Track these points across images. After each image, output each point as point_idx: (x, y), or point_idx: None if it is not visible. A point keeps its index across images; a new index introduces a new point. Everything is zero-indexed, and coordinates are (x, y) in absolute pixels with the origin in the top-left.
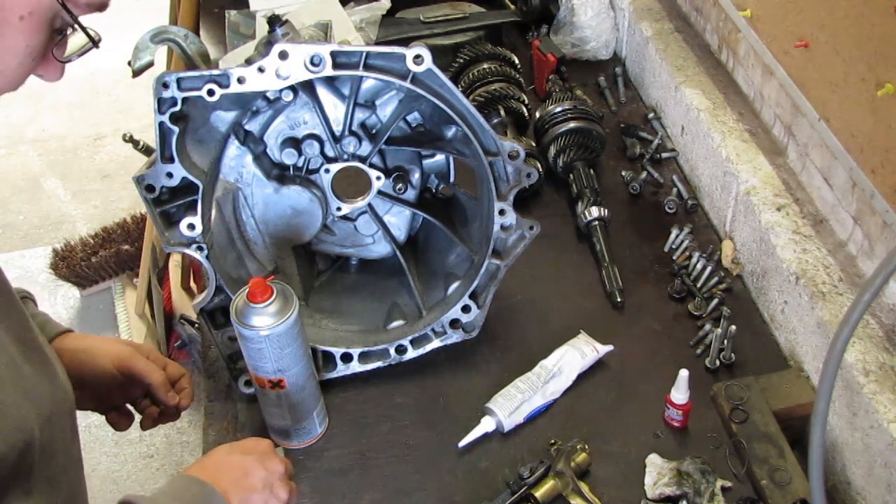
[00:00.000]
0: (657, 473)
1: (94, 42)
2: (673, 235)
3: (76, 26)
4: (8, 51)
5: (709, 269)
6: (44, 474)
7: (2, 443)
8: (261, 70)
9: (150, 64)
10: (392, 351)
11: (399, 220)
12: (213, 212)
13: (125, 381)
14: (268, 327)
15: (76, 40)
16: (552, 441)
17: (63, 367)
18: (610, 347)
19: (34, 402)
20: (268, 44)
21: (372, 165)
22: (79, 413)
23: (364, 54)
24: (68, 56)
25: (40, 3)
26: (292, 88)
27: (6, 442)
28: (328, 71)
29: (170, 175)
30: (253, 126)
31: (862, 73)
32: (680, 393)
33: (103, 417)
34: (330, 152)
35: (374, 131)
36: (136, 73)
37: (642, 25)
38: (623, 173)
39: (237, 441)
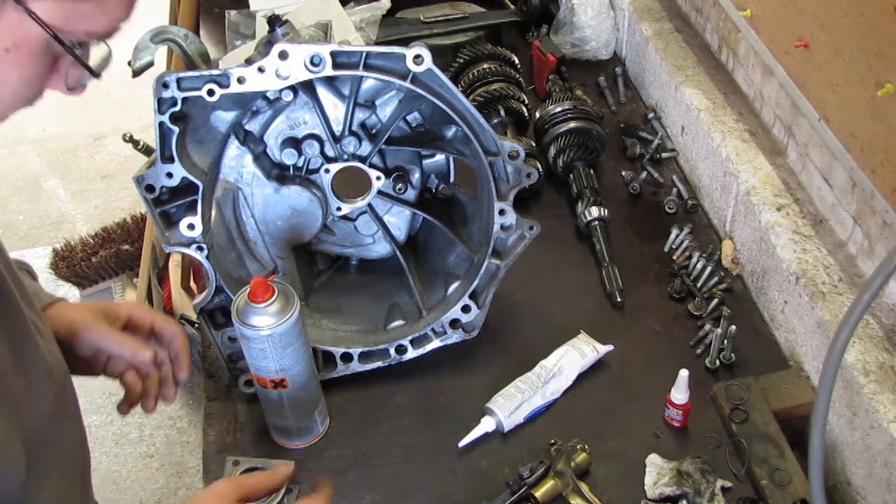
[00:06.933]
0: (657, 473)
1: (93, 73)
2: (673, 235)
3: (79, 52)
4: None
5: (709, 269)
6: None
7: None
8: (261, 70)
9: (150, 64)
10: (392, 351)
11: (399, 220)
12: (213, 212)
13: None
14: (269, 327)
15: (98, 52)
16: (552, 441)
17: (61, 363)
18: (610, 347)
19: (21, 419)
20: (268, 44)
21: (372, 165)
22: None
23: (364, 54)
24: (72, 84)
25: (27, 35)
26: (292, 88)
27: None
28: (328, 71)
29: (170, 175)
30: (253, 126)
31: (862, 73)
32: (680, 393)
33: (102, 417)
34: (330, 152)
35: (374, 131)
36: (136, 73)
37: (642, 25)
38: (623, 173)
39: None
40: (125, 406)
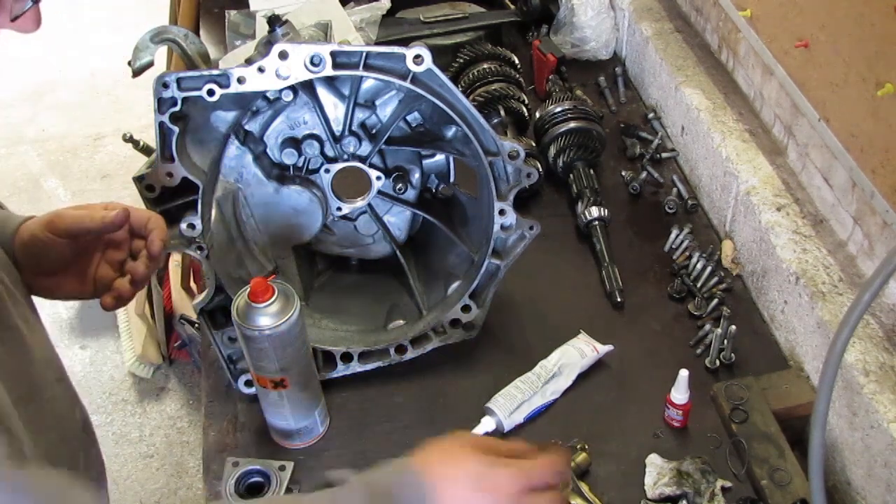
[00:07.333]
0: (657, 473)
1: None
2: (673, 235)
3: None
4: None
5: (709, 269)
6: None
7: None
8: (261, 70)
9: (150, 64)
10: (392, 351)
11: (399, 220)
12: (213, 212)
13: (79, 247)
14: (270, 327)
15: None
16: (552, 441)
17: (43, 330)
18: (610, 347)
19: (4, 382)
20: (268, 44)
21: (372, 165)
22: None
23: (364, 54)
24: (16, 14)
25: None
26: (292, 88)
27: None
28: (328, 71)
29: (170, 175)
30: (253, 126)
31: (862, 73)
32: (680, 393)
33: (102, 417)
34: (330, 152)
35: (374, 131)
36: (136, 73)
37: (642, 25)
38: (623, 173)
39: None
40: (107, 299)
